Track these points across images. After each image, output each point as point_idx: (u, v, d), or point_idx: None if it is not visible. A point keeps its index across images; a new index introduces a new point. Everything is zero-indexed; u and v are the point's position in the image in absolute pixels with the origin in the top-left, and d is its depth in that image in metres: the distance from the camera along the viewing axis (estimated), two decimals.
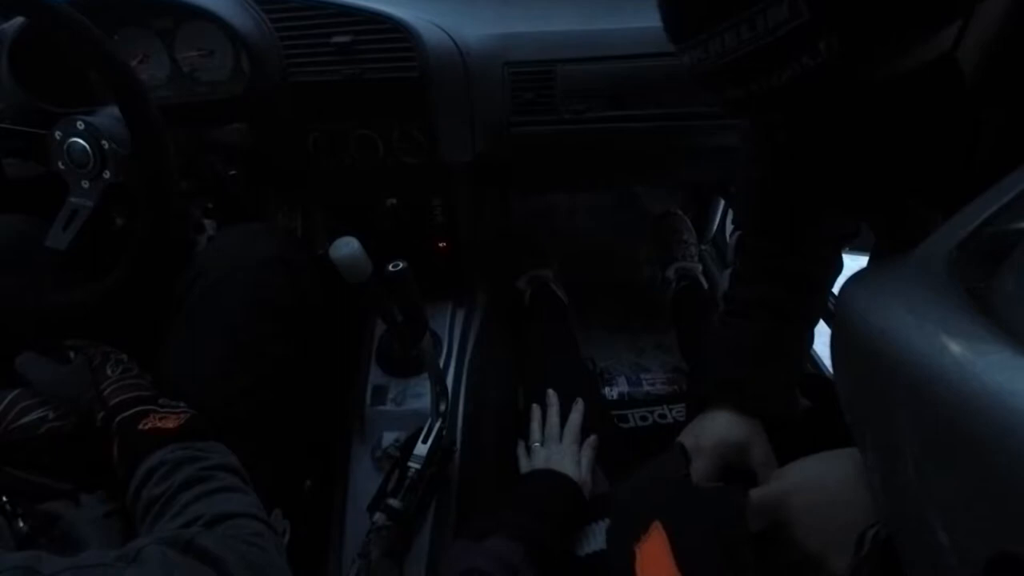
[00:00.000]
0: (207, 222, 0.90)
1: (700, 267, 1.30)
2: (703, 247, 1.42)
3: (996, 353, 0.23)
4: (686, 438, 0.66)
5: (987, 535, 0.22)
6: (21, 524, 0.45)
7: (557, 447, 0.78)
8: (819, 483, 0.46)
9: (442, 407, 0.79)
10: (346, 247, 0.56)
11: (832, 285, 0.69)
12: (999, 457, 0.21)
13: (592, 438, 0.80)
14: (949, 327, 0.26)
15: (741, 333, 0.66)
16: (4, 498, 0.46)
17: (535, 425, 0.83)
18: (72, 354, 0.61)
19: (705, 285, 1.26)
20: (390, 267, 0.60)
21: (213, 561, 0.42)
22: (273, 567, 0.46)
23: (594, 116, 0.85)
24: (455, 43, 0.80)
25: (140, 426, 0.53)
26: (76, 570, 0.37)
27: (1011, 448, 0.21)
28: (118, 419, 0.54)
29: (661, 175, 1.16)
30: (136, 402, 0.55)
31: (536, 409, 0.85)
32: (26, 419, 0.53)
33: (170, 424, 0.53)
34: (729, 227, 1.39)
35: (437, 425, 0.77)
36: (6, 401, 0.54)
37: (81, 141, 0.64)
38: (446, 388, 0.81)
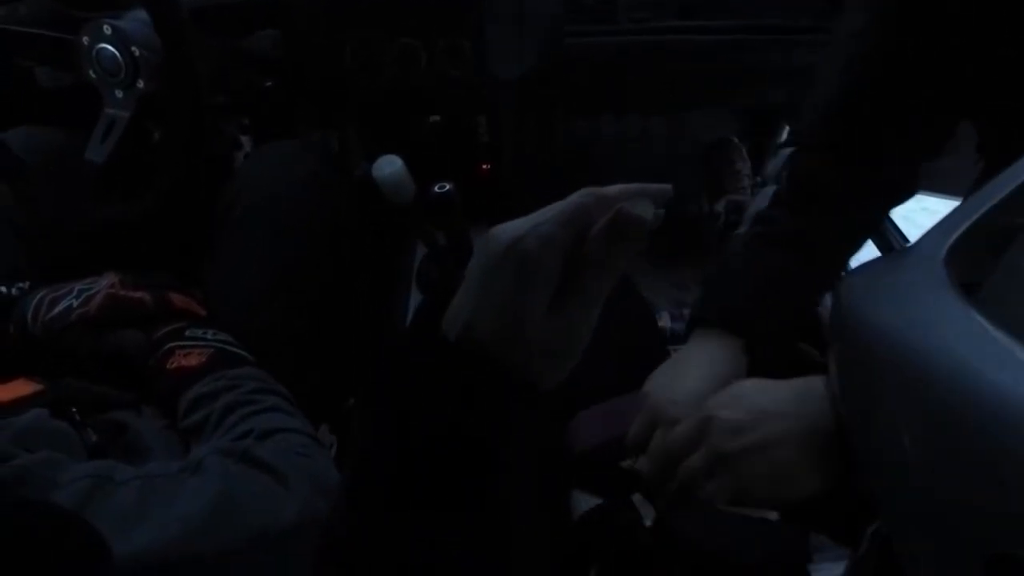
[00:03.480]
0: (244, 138, 0.87)
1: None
2: (758, 179, 1.33)
3: (993, 349, 0.23)
4: (659, 383, 0.53)
5: (987, 535, 0.22)
6: (91, 433, 0.46)
7: None
8: None
9: None
10: (390, 166, 0.53)
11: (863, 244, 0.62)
12: (997, 455, 0.21)
13: None
14: (946, 323, 0.26)
15: (768, 262, 0.59)
16: (73, 408, 0.47)
17: None
18: None
19: None
20: (436, 188, 0.56)
21: (270, 469, 0.44)
22: (324, 475, 0.47)
23: (659, 26, 0.77)
24: None
25: (168, 365, 0.54)
26: (145, 479, 0.40)
27: (1009, 446, 0.21)
28: (150, 362, 0.55)
29: (724, 97, 1.06)
30: (166, 338, 0.56)
31: None
32: (56, 310, 0.54)
33: (193, 362, 0.53)
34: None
35: None
36: (36, 298, 0.55)
37: (110, 48, 0.61)
38: None
